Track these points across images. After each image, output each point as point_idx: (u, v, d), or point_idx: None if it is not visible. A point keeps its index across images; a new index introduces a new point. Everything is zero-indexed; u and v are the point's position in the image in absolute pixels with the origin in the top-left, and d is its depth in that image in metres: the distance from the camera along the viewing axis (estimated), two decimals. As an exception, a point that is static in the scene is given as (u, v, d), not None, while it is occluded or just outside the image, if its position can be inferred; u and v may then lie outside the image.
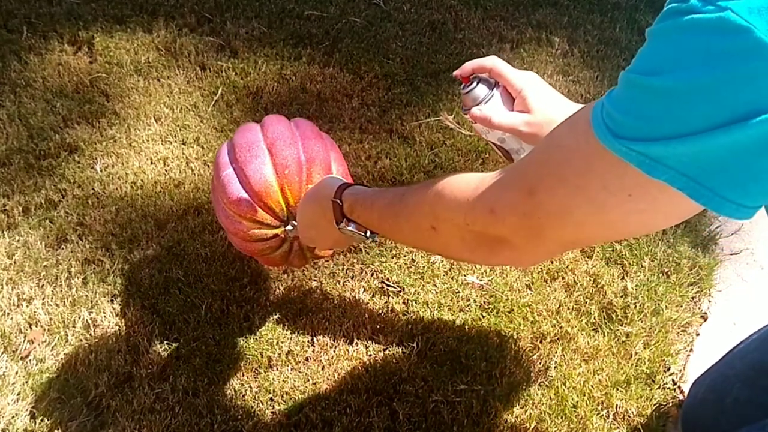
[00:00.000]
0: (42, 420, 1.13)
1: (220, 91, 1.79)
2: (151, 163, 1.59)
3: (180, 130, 1.68)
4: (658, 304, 1.33)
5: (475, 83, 0.89)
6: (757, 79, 0.40)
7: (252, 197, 1.00)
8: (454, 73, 0.93)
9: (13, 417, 1.13)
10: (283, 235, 1.04)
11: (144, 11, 2.04)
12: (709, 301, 1.37)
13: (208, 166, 1.58)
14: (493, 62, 0.89)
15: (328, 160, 1.04)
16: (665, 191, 0.46)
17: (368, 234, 0.83)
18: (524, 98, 0.86)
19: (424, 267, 1.38)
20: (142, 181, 1.54)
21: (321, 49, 1.94)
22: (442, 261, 1.39)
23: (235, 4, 2.09)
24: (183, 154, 1.61)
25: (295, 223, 1.02)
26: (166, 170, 1.57)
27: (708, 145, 0.43)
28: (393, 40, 1.98)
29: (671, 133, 0.44)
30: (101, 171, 1.57)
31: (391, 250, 1.40)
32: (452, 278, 1.36)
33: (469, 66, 0.91)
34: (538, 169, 0.56)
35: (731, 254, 1.46)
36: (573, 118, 0.54)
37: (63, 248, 1.40)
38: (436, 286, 1.35)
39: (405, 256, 1.40)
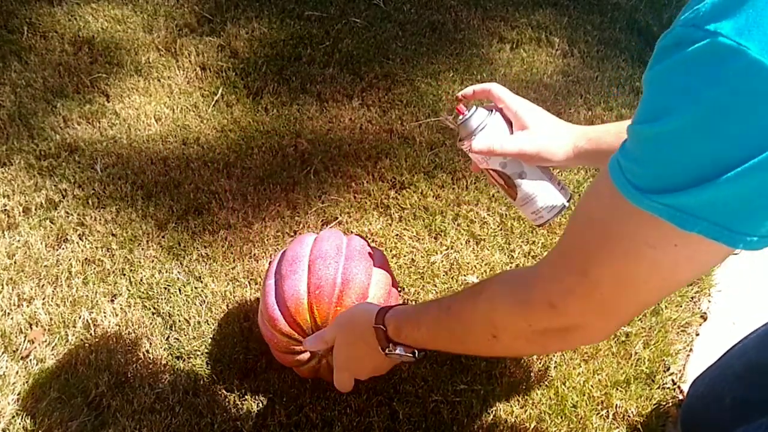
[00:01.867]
0: (42, 420, 1.13)
1: (220, 92, 1.79)
2: (152, 163, 1.60)
3: (180, 130, 1.68)
4: (658, 304, 1.33)
5: (472, 111, 0.89)
6: (762, 104, 0.39)
7: (283, 312, 1.03)
8: (458, 93, 0.94)
9: (13, 417, 1.13)
10: (311, 352, 1.07)
11: (144, 11, 2.05)
12: (709, 301, 1.37)
13: (209, 166, 1.59)
14: (492, 86, 0.90)
15: (365, 284, 1.05)
16: (702, 239, 0.45)
17: (417, 354, 0.83)
18: (521, 117, 0.87)
19: (424, 267, 1.38)
20: (142, 181, 1.55)
21: (321, 49, 1.94)
22: (442, 261, 1.39)
23: (235, 4, 2.09)
24: (183, 154, 1.62)
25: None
26: (166, 170, 1.57)
27: (730, 188, 0.41)
28: (393, 41, 1.98)
29: (690, 180, 0.43)
30: (102, 171, 1.57)
31: (391, 250, 1.41)
32: (452, 278, 1.36)
33: (470, 89, 0.92)
34: (581, 248, 0.55)
35: (731, 254, 1.46)
36: (593, 188, 0.54)
37: (63, 248, 1.40)
38: (436, 286, 1.35)
39: (405, 256, 1.40)
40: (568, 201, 0.92)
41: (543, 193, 0.90)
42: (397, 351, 0.82)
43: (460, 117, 0.91)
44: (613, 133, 0.84)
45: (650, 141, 0.45)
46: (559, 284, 0.57)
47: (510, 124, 0.89)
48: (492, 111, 0.89)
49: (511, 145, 0.86)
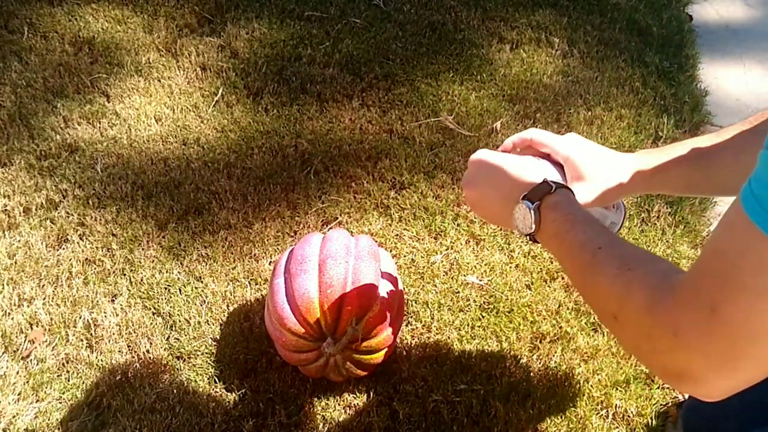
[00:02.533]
0: (43, 420, 1.13)
1: (220, 92, 1.79)
2: (152, 163, 1.60)
3: (180, 130, 1.68)
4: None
5: None
6: None
7: (293, 310, 1.03)
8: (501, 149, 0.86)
9: (14, 417, 1.13)
10: (319, 351, 1.07)
11: (144, 11, 2.05)
12: (709, 302, 1.37)
13: (209, 166, 1.59)
14: (533, 133, 0.85)
15: (375, 284, 1.06)
16: None
17: (529, 233, 0.73)
18: (573, 164, 0.81)
19: (424, 267, 1.38)
20: (142, 181, 1.55)
21: (321, 49, 1.94)
22: (442, 261, 1.40)
23: (235, 4, 2.09)
24: (183, 154, 1.62)
25: (333, 342, 1.04)
26: (166, 170, 1.58)
27: None
28: (393, 41, 1.98)
29: None
30: (102, 171, 1.57)
31: (391, 250, 1.41)
32: (452, 278, 1.37)
33: (509, 141, 0.86)
34: (711, 282, 0.50)
35: (731, 254, 1.46)
36: (725, 219, 0.50)
37: (64, 248, 1.40)
38: (436, 286, 1.35)
39: (405, 256, 1.40)
40: (622, 220, 0.89)
41: (612, 218, 0.88)
42: (531, 208, 0.71)
43: None
44: (683, 157, 0.79)
45: None
46: (689, 315, 0.52)
47: (560, 167, 0.83)
48: (539, 160, 0.83)
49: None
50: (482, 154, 0.81)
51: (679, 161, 0.80)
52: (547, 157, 0.84)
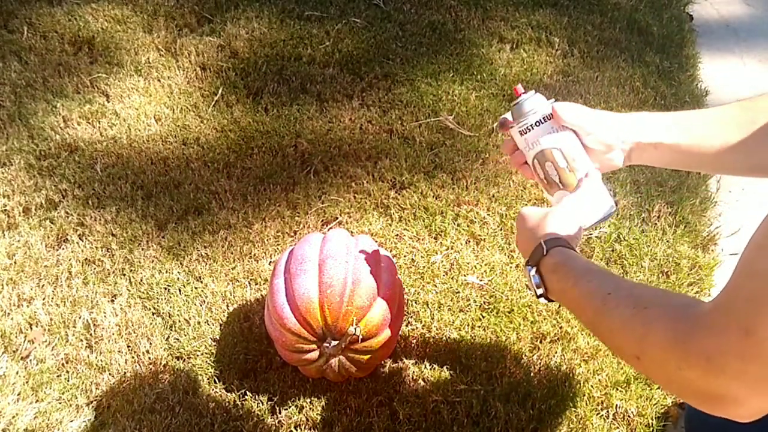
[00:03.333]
0: (43, 420, 1.13)
1: (220, 92, 1.79)
2: (152, 163, 1.60)
3: (180, 130, 1.68)
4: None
5: (527, 95, 0.87)
6: None
7: (293, 310, 1.03)
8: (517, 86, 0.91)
9: (13, 417, 1.13)
10: (319, 351, 1.07)
11: (144, 11, 2.05)
12: (709, 302, 1.37)
13: (209, 166, 1.59)
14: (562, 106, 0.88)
15: (375, 284, 1.06)
16: None
17: (541, 294, 0.77)
18: (580, 127, 0.85)
19: (424, 267, 1.38)
20: (142, 181, 1.55)
21: (321, 49, 1.94)
22: (442, 261, 1.39)
23: (235, 4, 2.09)
24: (183, 154, 1.62)
25: (333, 342, 1.04)
26: (166, 170, 1.57)
27: None
28: (393, 41, 1.98)
29: None
30: (102, 171, 1.57)
31: (391, 250, 1.40)
32: (452, 278, 1.36)
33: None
34: (747, 304, 0.49)
35: (731, 254, 1.46)
36: (757, 236, 0.50)
37: (63, 248, 1.40)
38: (436, 286, 1.35)
39: (405, 256, 1.40)
40: (615, 208, 0.89)
41: (592, 196, 0.86)
42: (532, 274, 0.76)
43: (518, 100, 0.88)
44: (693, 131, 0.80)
45: None
46: (720, 339, 0.51)
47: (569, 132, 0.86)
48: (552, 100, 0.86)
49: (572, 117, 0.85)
50: (525, 211, 0.87)
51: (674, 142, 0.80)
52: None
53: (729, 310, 0.51)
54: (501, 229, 1.46)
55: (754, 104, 0.77)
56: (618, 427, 1.15)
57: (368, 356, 1.09)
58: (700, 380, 0.53)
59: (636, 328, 0.60)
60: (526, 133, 0.87)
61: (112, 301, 1.32)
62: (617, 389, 1.19)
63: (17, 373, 1.19)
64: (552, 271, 0.74)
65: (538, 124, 0.86)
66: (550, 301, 0.77)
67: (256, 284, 1.35)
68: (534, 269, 0.76)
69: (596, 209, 0.85)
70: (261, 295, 1.33)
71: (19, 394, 1.16)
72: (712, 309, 0.53)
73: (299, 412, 1.15)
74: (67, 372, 1.20)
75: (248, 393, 1.17)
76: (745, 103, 0.77)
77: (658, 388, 1.20)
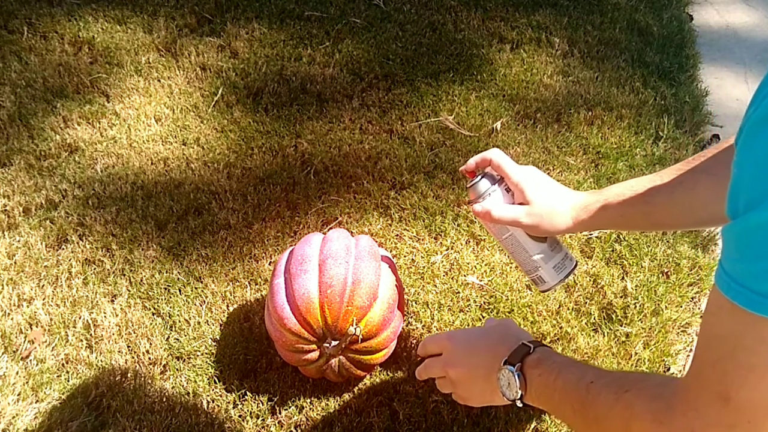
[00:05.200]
0: (42, 420, 1.13)
1: (220, 92, 1.79)
2: (152, 163, 1.60)
3: (180, 130, 1.68)
4: (658, 305, 1.33)
5: (478, 177, 0.92)
6: None
7: (293, 310, 1.03)
8: (460, 168, 0.94)
9: (13, 417, 1.13)
10: (319, 351, 1.07)
11: (144, 11, 2.05)
12: (709, 302, 1.37)
13: (209, 166, 1.59)
14: (493, 154, 0.91)
15: (375, 284, 1.06)
16: None
17: (517, 398, 0.74)
18: (522, 190, 0.87)
19: (424, 267, 1.38)
20: (142, 181, 1.55)
21: (321, 49, 1.94)
22: (442, 261, 1.39)
23: (235, 4, 2.09)
24: (183, 154, 1.62)
25: (333, 342, 1.05)
26: (166, 171, 1.57)
27: None
28: (393, 41, 1.98)
29: None
30: (102, 171, 1.57)
31: (391, 250, 1.41)
32: (452, 278, 1.36)
33: (472, 161, 0.93)
34: (714, 371, 0.49)
35: None
36: (709, 303, 0.49)
37: (63, 248, 1.40)
38: (436, 286, 1.35)
39: (405, 256, 1.40)
40: (568, 275, 0.94)
41: (544, 264, 0.93)
42: (514, 376, 0.72)
43: (468, 180, 0.93)
44: (626, 192, 0.83)
45: (762, 229, 0.41)
46: (700, 413, 0.50)
47: (511, 193, 0.91)
48: (499, 180, 0.92)
49: (509, 214, 0.88)
50: (441, 340, 0.88)
51: (619, 200, 0.84)
52: (500, 180, 0.91)
53: (701, 381, 0.51)
54: (501, 229, 1.46)
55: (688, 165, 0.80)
56: (618, 427, 1.15)
57: (368, 356, 1.09)
58: None
59: (621, 412, 0.59)
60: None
61: (112, 301, 1.32)
62: (617, 389, 1.19)
63: (17, 373, 1.19)
64: (535, 366, 0.73)
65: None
66: (524, 405, 0.74)
67: (256, 284, 1.35)
68: (514, 366, 0.73)
69: (561, 272, 0.94)
70: (261, 295, 1.33)
71: (19, 394, 1.16)
72: (686, 383, 0.53)
73: (299, 412, 1.15)
74: (67, 372, 1.20)
75: (248, 393, 1.17)
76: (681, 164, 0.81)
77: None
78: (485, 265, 1.39)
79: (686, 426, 0.51)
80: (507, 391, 0.74)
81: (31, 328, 1.27)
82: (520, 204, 0.88)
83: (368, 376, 1.19)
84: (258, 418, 1.14)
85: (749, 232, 0.42)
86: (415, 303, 1.32)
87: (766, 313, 0.42)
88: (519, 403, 0.74)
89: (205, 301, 1.31)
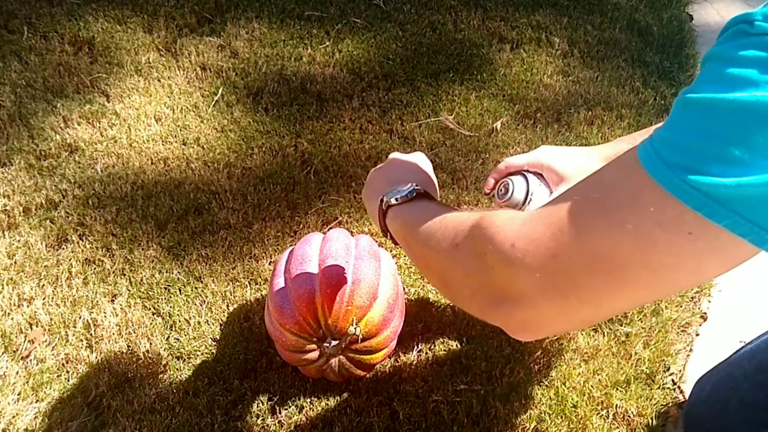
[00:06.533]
0: (42, 420, 1.13)
1: (220, 92, 1.79)
2: (152, 163, 1.60)
3: (180, 130, 1.68)
4: (658, 304, 1.33)
5: (510, 190, 0.87)
6: None
7: (293, 310, 1.03)
8: (485, 191, 0.92)
9: (13, 417, 1.13)
10: (319, 351, 1.07)
11: (144, 11, 2.05)
12: (709, 301, 1.37)
13: (209, 166, 1.59)
14: (506, 162, 0.90)
15: (375, 283, 1.06)
16: (724, 233, 0.39)
17: (383, 231, 0.74)
18: (550, 168, 0.86)
19: (424, 267, 1.38)
20: (142, 181, 1.55)
21: (321, 49, 1.94)
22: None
23: (235, 4, 2.09)
24: (183, 154, 1.62)
25: (333, 342, 1.04)
26: (166, 170, 1.57)
27: None
28: (393, 41, 1.98)
29: (733, 163, 0.37)
30: (102, 171, 1.57)
31: (391, 250, 1.41)
32: (452, 278, 1.36)
33: (490, 177, 0.92)
34: (575, 204, 0.46)
35: (747, 258, 1.46)
36: (618, 157, 0.46)
37: (63, 248, 1.40)
38: (436, 286, 1.35)
39: (405, 256, 1.40)
40: None
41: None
42: (390, 212, 0.72)
43: (496, 195, 0.89)
44: (641, 135, 0.83)
45: (699, 106, 0.39)
46: (534, 228, 0.47)
47: (541, 176, 0.88)
48: (524, 175, 0.88)
49: None
50: (394, 155, 0.88)
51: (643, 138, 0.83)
52: (527, 172, 0.89)
53: (556, 207, 0.48)
54: (501, 229, 1.46)
55: None
56: (618, 427, 1.15)
57: (368, 356, 1.09)
58: (496, 268, 0.49)
59: (468, 218, 0.57)
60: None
61: (112, 301, 1.32)
62: (617, 389, 1.19)
63: (17, 373, 1.19)
64: (403, 203, 0.72)
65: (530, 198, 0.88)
66: (388, 235, 0.74)
67: (256, 284, 1.35)
68: (384, 202, 0.73)
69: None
70: (261, 295, 1.33)
71: (19, 394, 1.16)
72: (545, 205, 0.50)
73: (299, 412, 1.15)
74: (67, 372, 1.20)
75: (248, 393, 1.17)
76: None
77: (659, 387, 1.20)
78: (485, 265, 1.39)
79: (514, 233, 0.48)
80: (373, 212, 0.76)
81: (31, 328, 1.27)
82: (558, 183, 0.86)
83: (368, 376, 1.19)
84: (258, 418, 1.14)
85: (682, 105, 0.42)
86: (415, 303, 1.32)
87: (664, 183, 0.40)
88: (383, 234, 0.75)
89: (205, 301, 1.31)
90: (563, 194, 0.48)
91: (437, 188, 0.83)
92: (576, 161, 0.86)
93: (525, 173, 0.88)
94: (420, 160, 0.88)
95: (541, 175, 0.88)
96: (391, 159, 0.88)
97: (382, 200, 0.74)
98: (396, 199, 0.73)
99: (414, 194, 0.72)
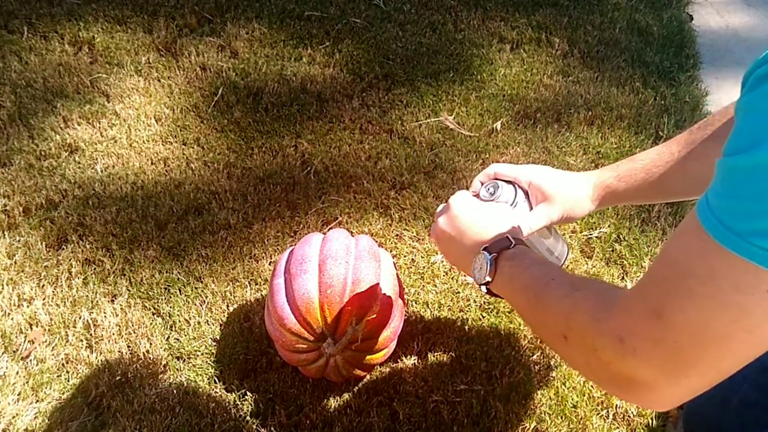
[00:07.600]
0: (42, 420, 1.13)
1: (220, 92, 1.79)
2: (152, 163, 1.60)
3: (180, 130, 1.68)
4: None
5: (497, 190, 0.88)
6: None
7: (293, 310, 1.03)
8: (471, 191, 0.92)
9: (13, 417, 1.13)
10: (319, 351, 1.07)
11: (144, 11, 2.05)
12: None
13: (209, 166, 1.59)
14: (496, 168, 0.91)
15: (375, 284, 1.06)
16: None
17: (485, 283, 0.76)
18: (536, 186, 0.87)
19: (424, 267, 1.38)
20: (142, 181, 1.55)
21: (321, 49, 1.94)
22: (442, 261, 1.39)
23: (235, 4, 2.09)
24: (183, 154, 1.62)
25: (333, 342, 1.04)
26: (166, 171, 1.57)
27: None
28: (393, 41, 1.98)
29: None
30: (102, 171, 1.57)
31: (391, 250, 1.41)
32: (452, 278, 1.36)
33: (477, 181, 0.93)
34: (658, 288, 0.50)
35: None
36: (680, 227, 0.50)
37: (63, 248, 1.40)
38: (436, 286, 1.35)
39: (405, 256, 1.40)
40: (566, 259, 0.98)
41: (549, 255, 0.95)
42: (489, 260, 0.75)
43: (492, 195, 0.90)
44: (637, 169, 0.84)
45: (747, 172, 0.42)
46: (631, 320, 0.52)
47: (526, 193, 0.90)
48: (513, 184, 0.89)
49: (541, 218, 0.88)
50: (462, 200, 0.87)
51: (631, 174, 0.85)
52: (505, 188, 0.90)
53: (644, 293, 0.53)
54: (501, 229, 1.46)
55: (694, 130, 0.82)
56: (618, 427, 1.15)
57: (368, 356, 1.09)
58: (614, 363, 0.54)
59: (566, 306, 0.62)
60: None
61: (112, 301, 1.32)
62: (617, 389, 1.19)
63: (17, 373, 1.19)
64: (509, 259, 0.75)
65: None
66: (489, 293, 0.78)
67: (256, 284, 1.35)
68: (490, 255, 0.76)
69: (564, 260, 0.98)
70: (261, 295, 1.33)
71: (19, 394, 1.16)
72: (630, 292, 0.54)
73: (299, 412, 1.15)
74: (67, 372, 1.20)
75: (248, 393, 1.17)
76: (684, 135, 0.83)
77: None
78: (485, 265, 1.39)
79: (616, 327, 0.53)
80: (477, 273, 0.77)
81: (31, 328, 1.27)
82: (541, 201, 0.88)
83: (368, 376, 1.19)
84: (258, 418, 1.14)
85: (736, 172, 0.43)
86: (415, 303, 1.32)
87: (734, 248, 0.43)
88: (483, 289, 0.77)
89: (205, 301, 1.31)
90: (647, 278, 0.52)
91: None
92: (562, 184, 0.88)
93: (513, 183, 0.90)
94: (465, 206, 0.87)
95: (527, 192, 0.90)
96: (457, 209, 0.86)
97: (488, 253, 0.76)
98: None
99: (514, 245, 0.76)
